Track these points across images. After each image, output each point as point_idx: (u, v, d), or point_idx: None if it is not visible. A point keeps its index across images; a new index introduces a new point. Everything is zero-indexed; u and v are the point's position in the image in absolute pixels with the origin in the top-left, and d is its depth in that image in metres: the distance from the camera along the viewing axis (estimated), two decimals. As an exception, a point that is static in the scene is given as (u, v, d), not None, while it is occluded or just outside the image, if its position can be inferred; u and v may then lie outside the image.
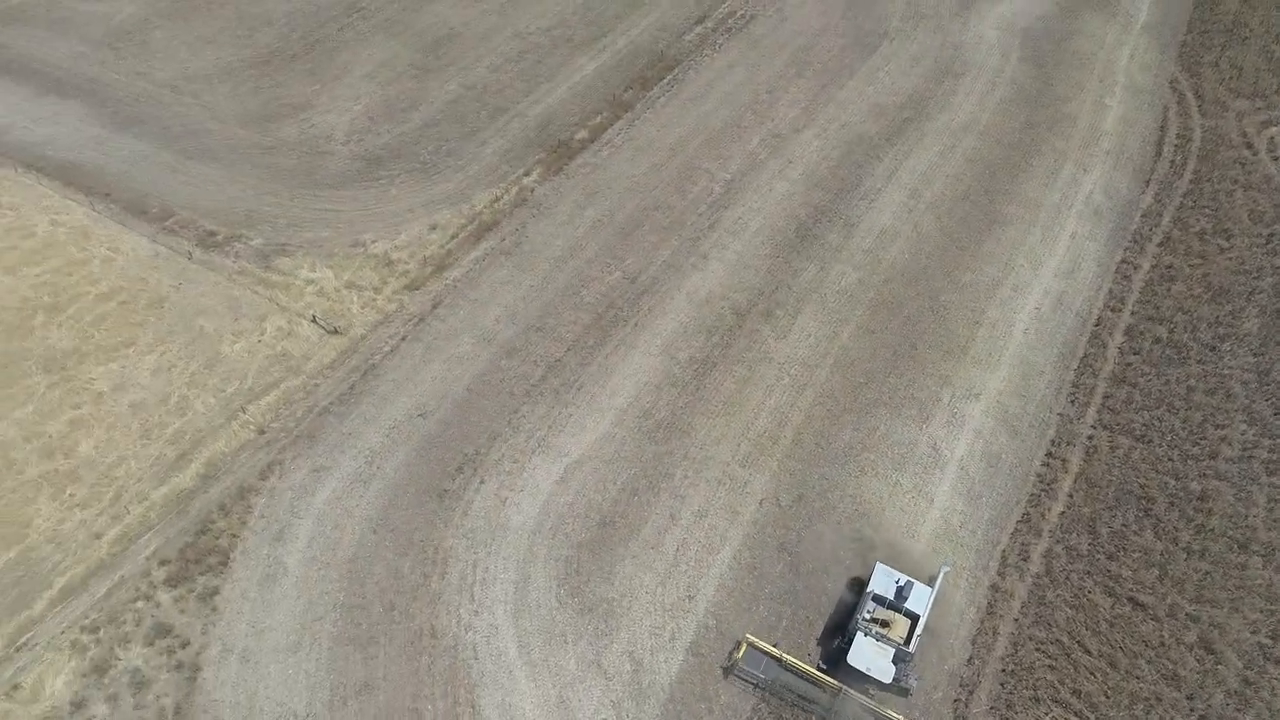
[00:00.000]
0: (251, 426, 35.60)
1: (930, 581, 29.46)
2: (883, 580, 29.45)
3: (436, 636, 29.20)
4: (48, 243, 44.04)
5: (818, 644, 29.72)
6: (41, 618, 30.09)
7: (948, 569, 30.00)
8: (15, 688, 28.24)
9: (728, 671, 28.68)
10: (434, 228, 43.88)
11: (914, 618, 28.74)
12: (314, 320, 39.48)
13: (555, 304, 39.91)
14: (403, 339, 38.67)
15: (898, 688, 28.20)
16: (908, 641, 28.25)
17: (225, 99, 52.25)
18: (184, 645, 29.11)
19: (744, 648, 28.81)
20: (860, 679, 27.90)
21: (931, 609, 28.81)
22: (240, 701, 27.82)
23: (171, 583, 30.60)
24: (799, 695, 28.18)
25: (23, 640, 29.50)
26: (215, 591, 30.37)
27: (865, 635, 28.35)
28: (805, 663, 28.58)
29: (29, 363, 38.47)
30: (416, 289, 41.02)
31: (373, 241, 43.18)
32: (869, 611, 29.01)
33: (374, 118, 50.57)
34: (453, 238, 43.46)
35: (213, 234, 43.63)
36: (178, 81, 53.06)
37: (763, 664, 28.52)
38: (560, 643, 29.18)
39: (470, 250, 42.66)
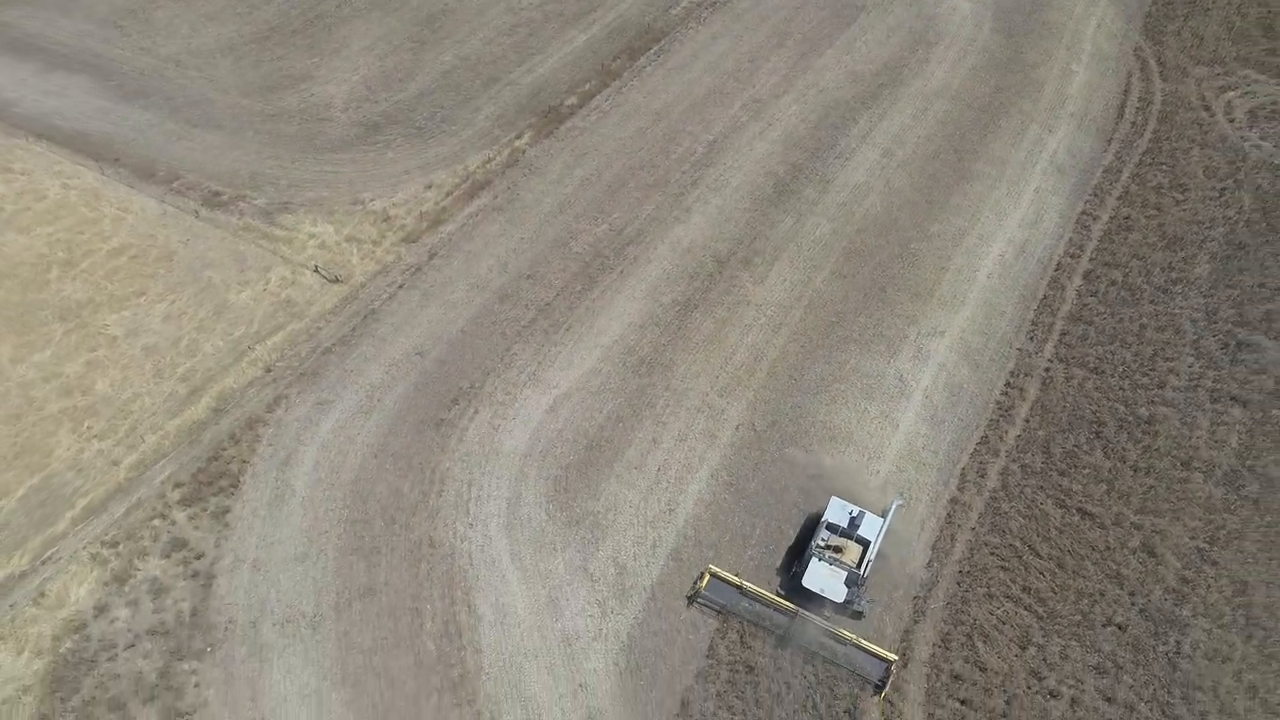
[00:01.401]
0: (259, 365, 37.78)
1: (883, 514, 31.21)
2: (837, 511, 31.29)
3: (435, 546, 31.42)
4: (60, 204, 46.11)
5: (777, 574, 31.63)
6: (64, 535, 32.23)
7: (900, 503, 31.86)
8: (42, 595, 30.36)
9: (691, 600, 30.47)
10: (429, 186, 46.08)
11: (865, 544, 30.45)
12: (316, 270, 41.65)
13: (545, 254, 42.13)
14: (400, 287, 40.86)
15: (850, 610, 29.95)
16: (859, 565, 30.06)
17: (227, 72, 54.32)
18: (199, 557, 31.28)
19: (707, 578, 30.50)
20: (815, 601, 29.76)
21: (884, 539, 30.51)
22: (252, 604, 29.99)
23: (186, 503, 32.77)
24: (759, 619, 29.88)
25: (48, 554, 31.65)
26: (227, 510, 32.54)
27: (819, 560, 30.14)
28: (765, 591, 30.41)
29: (45, 312, 40.56)
30: (413, 242, 43.24)
31: (371, 200, 45.37)
32: (823, 539, 30.79)
33: (371, 87, 52.72)
34: (447, 195, 45.67)
35: (218, 194, 45.74)
36: (181, 56, 55.10)
37: (725, 592, 30.30)
38: (549, 551, 31.42)
39: (464, 207, 44.87)
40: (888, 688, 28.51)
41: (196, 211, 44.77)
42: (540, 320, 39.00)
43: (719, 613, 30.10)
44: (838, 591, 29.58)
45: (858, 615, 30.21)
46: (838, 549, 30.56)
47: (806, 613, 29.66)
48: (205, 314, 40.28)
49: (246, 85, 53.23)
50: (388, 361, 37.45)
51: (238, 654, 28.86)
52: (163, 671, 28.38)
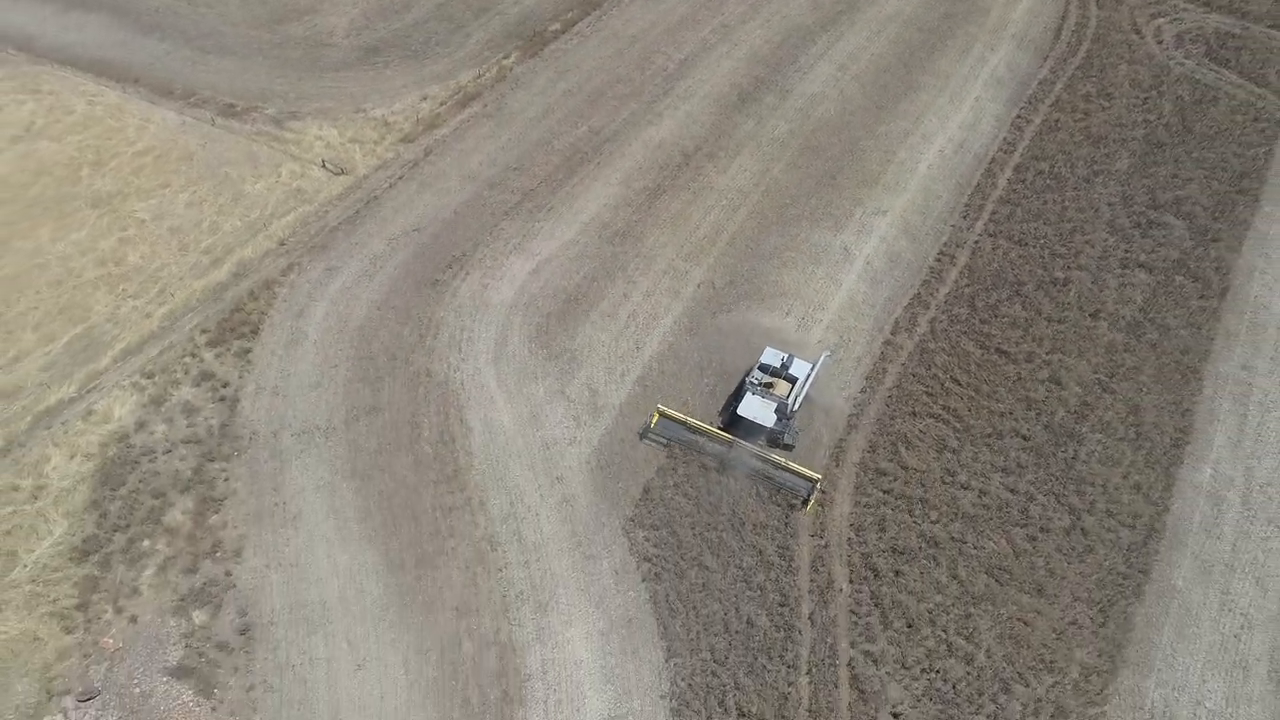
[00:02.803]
0: (273, 239, 42.27)
1: (812, 363, 34.81)
2: (771, 355, 35.22)
3: (431, 376, 35.95)
4: (87, 117, 50.41)
5: (718, 415, 35.77)
6: (106, 370, 36.68)
7: (828, 354, 35.74)
8: (89, 413, 34.81)
9: (642, 435, 34.45)
10: (425, 98, 50.59)
11: (794, 382, 34.31)
12: (323, 165, 46.13)
13: (530, 151, 46.67)
14: (399, 178, 45.35)
15: (781, 441, 33.83)
16: (788, 399, 33.69)
17: (237, 8, 58.62)
18: (225, 385, 35.76)
19: (657, 416, 34.26)
20: (751, 434, 33.54)
21: (814, 387, 34.36)
22: (272, 420, 34.47)
23: (212, 344, 37.24)
24: (702, 450, 33.67)
25: (92, 385, 36.10)
26: (249, 350, 37.02)
27: (753, 394, 34.08)
28: (708, 426, 34.15)
29: (79, 202, 44.92)
30: (410, 142, 47.74)
31: (372, 109, 49.86)
32: (757, 377, 34.81)
33: (370, 18, 57.16)
34: (441, 105, 50.20)
35: (232, 106, 50.17)
36: (193, -7, 59.51)
37: (672, 428, 34.09)
38: (531, 379, 35.98)
39: (457, 114, 49.39)
40: (812, 501, 32.56)
41: (213, 120, 49.19)
42: (525, 203, 43.54)
43: (667, 445, 34.07)
44: (768, 418, 33.42)
45: (788, 447, 34.08)
46: (769, 384, 34.64)
47: (743, 442, 33.46)
48: (224, 201, 44.73)
49: (255, 19, 57.60)
50: (388, 236, 41.95)
51: (261, 457, 33.38)
52: (196, 469, 32.89)
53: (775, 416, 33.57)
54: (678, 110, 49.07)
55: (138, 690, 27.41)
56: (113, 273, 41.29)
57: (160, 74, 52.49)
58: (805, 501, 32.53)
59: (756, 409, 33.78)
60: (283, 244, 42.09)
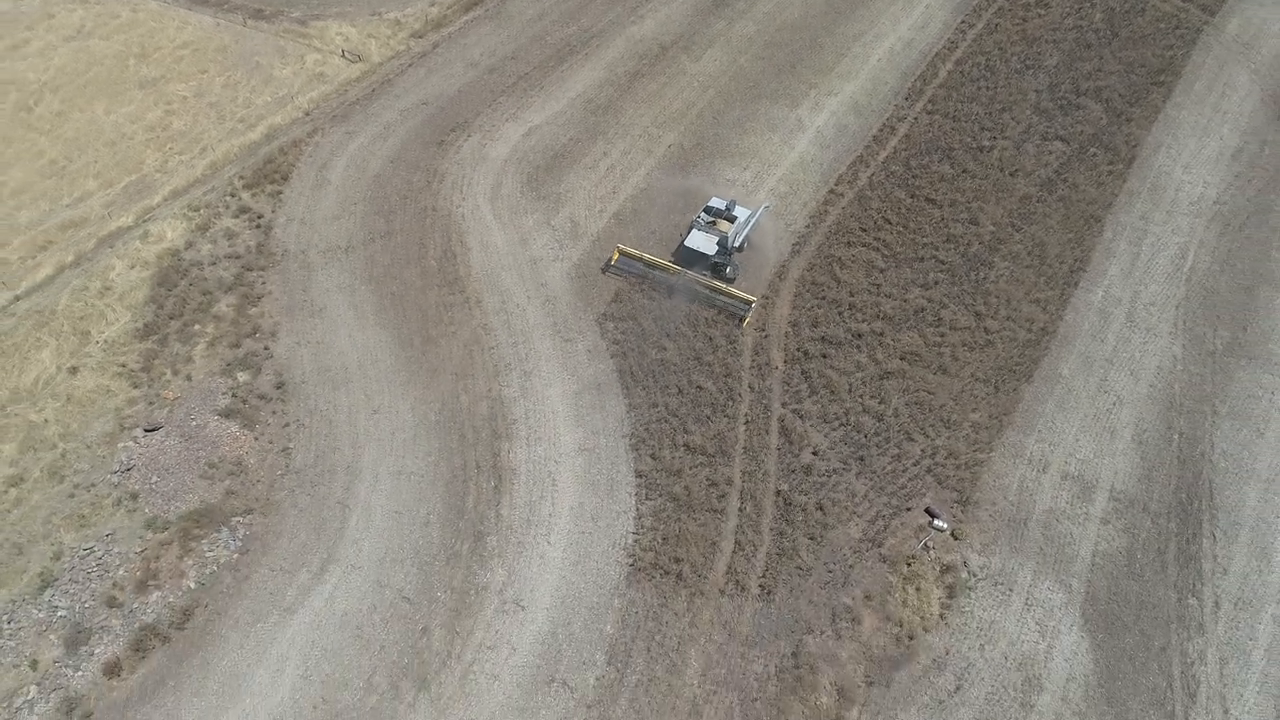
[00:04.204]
0: (299, 110, 48.35)
1: (753, 210, 40.01)
2: (716, 201, 40.32)
3: (436, 210, 41.95)
4: (131, 21, 56.56)
5: (670, 256, 41.39)
6: (158, 206, 42.81)
7: (768, 206, 41.34)
8: (145, 235, 40.92)
9: (604, 269, 40.02)
10: (433, 3, 56.58)
11: (734, 221, 39.29)
12: (343, 54, 52.18)
13: (526, 45, 52.61)
14: (409, 65, 51.32)
15: (724, 274, 38.76)
16: (730, 236, 38.86)
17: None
18: (260, 217, 41.81)
19: (617, 254, 39.79)
20: (695, 261, 38.49)
21: (751, 229, 39.38)
22: (301, 242, 40.51)
23: (249, 188, 43.29)
24: (655, 279, 38.91)
25: (147, 217, 42.21)
26: (280, 192, 43.08)
27: (699, 230, 39.25)
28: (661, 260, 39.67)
29: (128, 84, 51.02)
30: (420, 37, 53.76)
31: (386, 12, 55.88)
32: (703, 217, 39.97)
33: (384, -59, 63.09)
34: (448, 8, 56.19)
35: (260, 10, 56.23)
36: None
37: (630, 264, 39.46)
38: (522, 213, 41.98)
39: (462, 16, 55.37)
40: (748, 318, 38.03)
41: (244, 22, 55.26)
42: (520, 84, 49.50)
43: (625, 277, 39.17)
44: (710, 248, 38.27)
45: (730, 280, 39.10)
46: (713, 222, 40.00)
47: (690, 272, 38.60)
48: (255, 83, 50.78)
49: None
50: (400, 109, 47.96)
51: (291, 268, 39.45)
52: (237, 276, 38.97)
53: (717, 248, 38.57)
54: (658, 12, 54.97)
55: (194, 424, 33.52)
56: (160, 136, 47.42)
57: (194, -11, 58.57)
58: (742, 320, 38.13)
59: (700, 241, 38.99)
60: (308, 114, 48.15)
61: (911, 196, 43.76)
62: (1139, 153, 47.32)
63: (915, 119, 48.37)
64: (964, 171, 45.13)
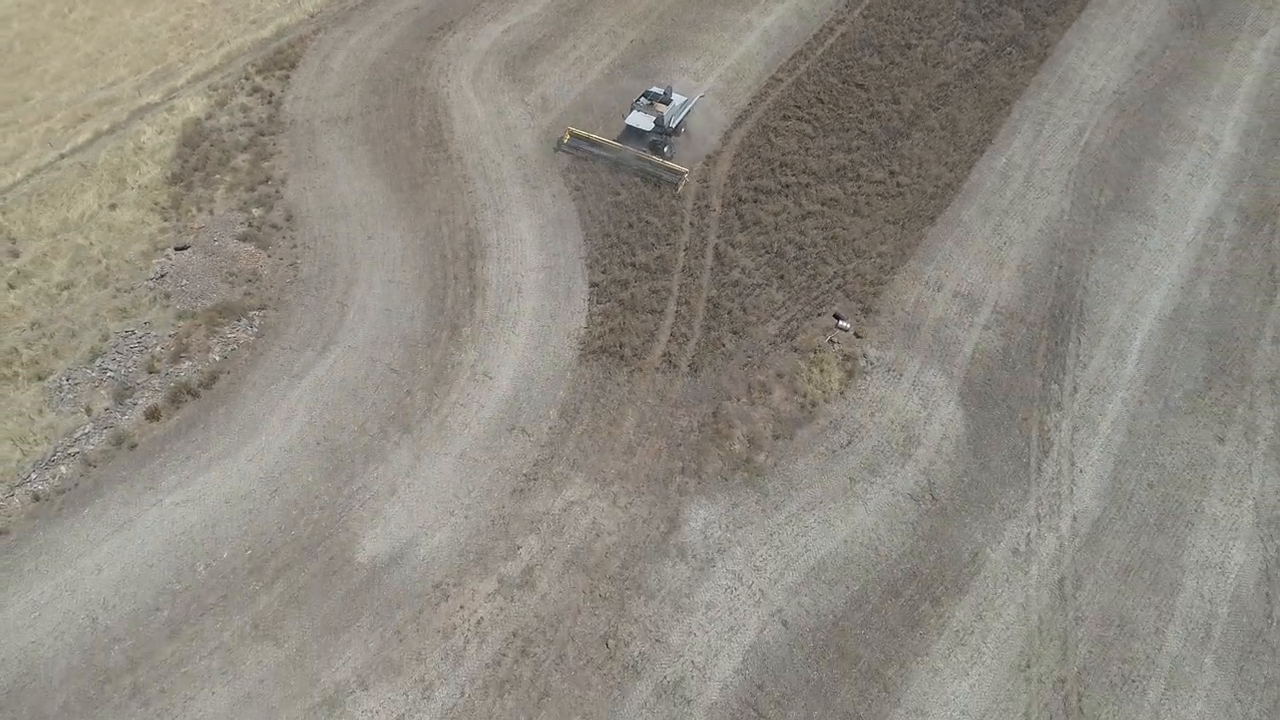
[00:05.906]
0: (305, 13, 54.42)
1: (689, 97, 45.27)
2: (656, 86, 45.59)
3: (424, 90, 47.96)
4: (152, -54, 62.58)
5: (616, 138, 47.30)
6: (181, 87, 48.85)
7: (702, 96, 47.04)
8: (171, 108, 46.97)
9: (556, 148, 45.63)
10: (425, -70, 62.58)
11: (670, 104, 44.54)
12: (343, -30, 58.20)
13: (508, -37, 58.60)
14: (403, -21, 57.37)
15: (661, 152, 43.71)
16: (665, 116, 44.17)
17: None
18: (270, 95, 47.85)
19: (568, 135, 45.25)
20: (636, 138, 43.71)
21: (688, 113, 44.69)
22: (307, 114, 46.54)
23: (261, 72, 49.32)
24: (600, 155, 44.17)
25: (172, 95, 48.25)
26: (288, 76, 49.10)
27: (638, 110, 44.46)
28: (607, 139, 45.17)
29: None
30: (413, -44, 59.81)
31: (382, -64, 61.86)
32: (642, 99, 45.14)
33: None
34: (438, -67, 62.20)
35: (270, -64, 62.19)
36: None
37: (580, 144, 44.79)
38: (500, 91, 48.00)
39: (450, -60, 61.38)
40: (680, 187, 43.66)
41: (254, -55, 61.24)
42: (501, -7, 55.63)
43: (575, 155, 44.71)
44: (648, 126, 43.35)
45: (667, 157, 44.17)
46: (650, 104, 45.20)
47: (630, 148, 43.76)
48: (265, -7, 56.90)
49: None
50: (395, 11, 53.98)
51: (299, 133, 45.48)
52: (252, 139, 45.02)
53: (654, 126, 43.77)
54: (628, -63, 60.98)
55: (216, 244, 39.60)
56: (181, 34, 53.48)
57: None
58: (676, 187, 43.80)
59: (639, 119, 44.23)
60: (313, 16, 54.19)
61: (843, 82, 49.70)
62: (1051, 53, 53.21)
63: (852, 22, 54.30)
64: (891, 63, 51.07)
